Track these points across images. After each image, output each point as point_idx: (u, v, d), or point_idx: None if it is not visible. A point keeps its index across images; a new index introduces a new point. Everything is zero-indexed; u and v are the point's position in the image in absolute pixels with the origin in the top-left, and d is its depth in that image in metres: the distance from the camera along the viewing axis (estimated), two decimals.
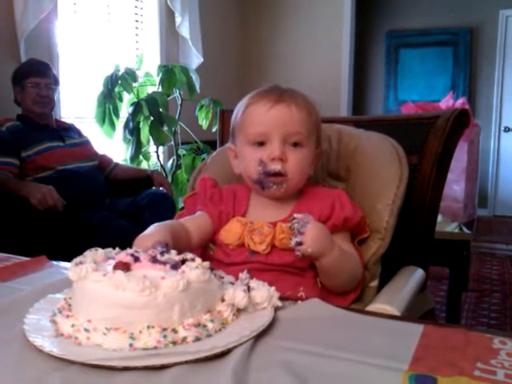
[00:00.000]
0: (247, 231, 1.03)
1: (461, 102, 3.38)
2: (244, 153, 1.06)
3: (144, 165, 3.52)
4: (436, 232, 1.32)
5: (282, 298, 0.79)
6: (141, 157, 3.44)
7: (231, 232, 1.05)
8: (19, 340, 0.69)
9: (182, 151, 3.61)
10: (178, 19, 3.98)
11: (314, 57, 4.92)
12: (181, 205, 1.29)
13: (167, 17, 4.02)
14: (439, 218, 2.38)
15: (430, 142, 1.26)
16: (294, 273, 1.01)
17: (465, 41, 5.86)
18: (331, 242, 0.95)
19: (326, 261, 0.95)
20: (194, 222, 1.07)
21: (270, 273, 0.99)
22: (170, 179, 3.50)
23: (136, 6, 3.88)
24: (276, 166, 1.00)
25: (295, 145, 1.02)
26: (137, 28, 3.91)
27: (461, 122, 1.28)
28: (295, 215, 0.93)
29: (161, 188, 2.83)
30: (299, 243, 0.91)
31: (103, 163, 2.82)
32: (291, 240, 0.92)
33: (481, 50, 5.86)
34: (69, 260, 0.77)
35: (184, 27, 4.00)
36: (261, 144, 1.02)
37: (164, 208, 2.59)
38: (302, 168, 1.04)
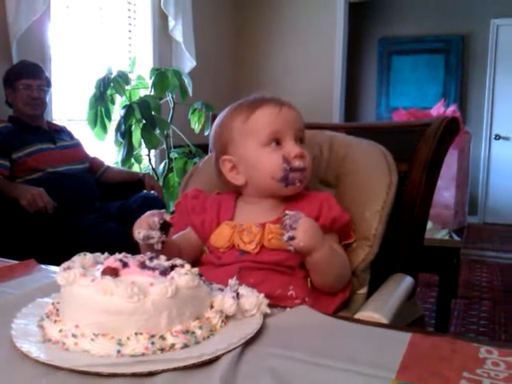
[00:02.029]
0: (237, 232, 1.05)
1: (452, 110, 3.40)
2: (260, 155, 1.06)
3: (135, 168, 3.51)
4: (426, 239, 1.32)
5: (270, 305, 0.79)
6: (132, 160, 3.44)
7: (221, 235, 1.07)
8: (6, 345, 0.69)
9: (173, 154, 3.60)
10: (171, 23, 3.99)
11: (306, 62, 4.93)
12: (172, 208, 1.30)
13: (160, 20, 4.02)
14: (429, 224, 2.39)
15: (420, 150, 1.26)
16: (284, 272, 1.02)
17: (457, 49, 5.90)
18: (322, 237, 0.97)
19: (317, 256, 0.96)
20: (184, 239, 1.10)
21: (261, 271, 1.01)
22: (161, 182, 3.49)
23: (129, 9, 3.88)
24: (300, 163, 1.04)
25: (301, 142, 1.08)
26: (130, 31, 3.91)
27: (451, 129, 1.29)
28: (287, 212, 0.95)
29: (152, 191, 2.82)
30: (291, 238, 0.93)
31: (94, 166, 2.81)
32: (283, 236, 0.94)
33: (472, 58, 5.91)
34: (58, 263, 0.77)
35: (177, 31, 4.00)
36: (277, 143, 1.05)
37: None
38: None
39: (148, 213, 0.97)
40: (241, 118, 1.08)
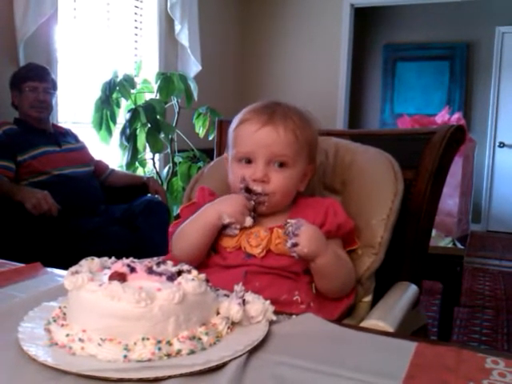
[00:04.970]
0: (244, 235, 1.05)
1: (456, 117, 3.40)
2: (231, 167, 1.09)
3: (140, 172, 3.52)
4: (429, 246, 1.32)
5: (276, 312, 0.79)
6: (137, 163, 3.44)
7: (229, 235, 1.06)
8: (13, 348, 0.69)
9: (178, 159, 3.61)
10: (177, 27, 4.00)
11: (311, 68, 4.95)
12: (175, 212, 1.30)
13: (167, 24, 4.04)
14: (433, 232, 2.39)
15: (426, 158, 1.26)
16: (290, 277, 1.02)
17: (461, 56, 5.90)
18: (325, 243, 0.98)
19: (321, 261, 0.97)
20: None
21: (266, 276, 1.01)
22: (165, 187, 3.50)
23: (136, 13, 3.90)
24: (257, 188, 1.03)
25: (281, 165, 1.04)
26: (136, 35, 3.93)
27: (456, 138, 1.29)
28: (289, 220, 0.96)
29: (156, 195, 2.83)
30: (295, 244, 0.94)
31: (99, 169, 2.81)
32: (287, 242, 0.95)
33: (477, 65, 5.91)
34: (63, 266, 0.77)
35: (183, 35, 4.02)
36: (248, 162, 1.05)
37: (159, 215, 2.59)
38: (285, 188, 1.05)
39: (233, 198, 1.04)
40: (234, 124, 1.09)
